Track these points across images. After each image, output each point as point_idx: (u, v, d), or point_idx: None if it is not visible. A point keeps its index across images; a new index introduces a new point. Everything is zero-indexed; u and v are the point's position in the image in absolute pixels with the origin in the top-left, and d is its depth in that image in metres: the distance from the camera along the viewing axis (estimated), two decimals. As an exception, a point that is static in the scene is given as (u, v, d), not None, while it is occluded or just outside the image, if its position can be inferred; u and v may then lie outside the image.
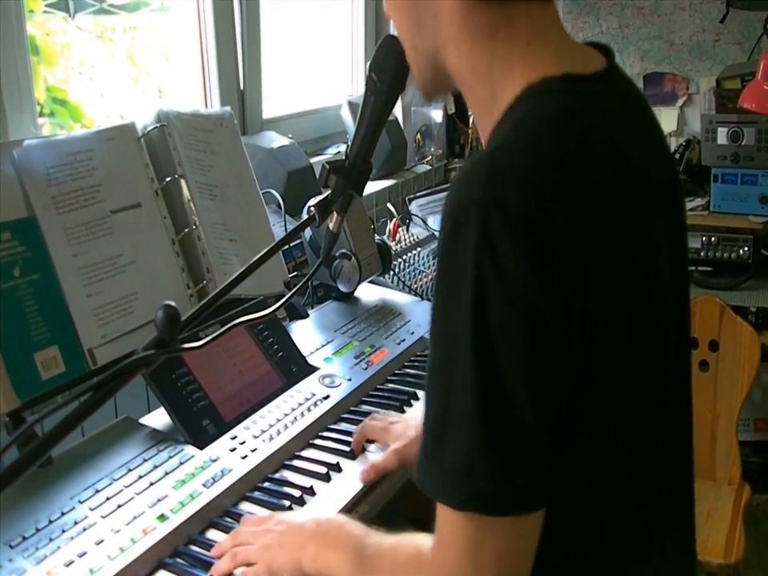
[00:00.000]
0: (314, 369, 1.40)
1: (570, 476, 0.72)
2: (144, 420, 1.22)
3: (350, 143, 1.05)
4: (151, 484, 1.06)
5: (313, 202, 1.06)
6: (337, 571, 0.84)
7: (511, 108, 0.73)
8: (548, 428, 0.66)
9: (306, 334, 1.51)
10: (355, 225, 1.61)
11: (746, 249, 2.58)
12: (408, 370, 1.48)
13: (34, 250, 1.17)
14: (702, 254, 2.63)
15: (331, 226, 1.10)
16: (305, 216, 1.09)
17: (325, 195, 1.06)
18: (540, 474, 0.67)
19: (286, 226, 1.64)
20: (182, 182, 1.40)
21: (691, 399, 0.88)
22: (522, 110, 0.71)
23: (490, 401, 0.64)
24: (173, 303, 0.66)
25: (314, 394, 1.33)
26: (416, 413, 1.25)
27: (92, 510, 1.01)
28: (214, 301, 0.84)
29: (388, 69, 0.97)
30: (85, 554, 0.94)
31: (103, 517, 1.00)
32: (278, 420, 1.24)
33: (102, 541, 0.96)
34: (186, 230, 1.39)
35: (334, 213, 1.07)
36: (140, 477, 1.07)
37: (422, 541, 0.73)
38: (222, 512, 1.07)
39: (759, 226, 2.56)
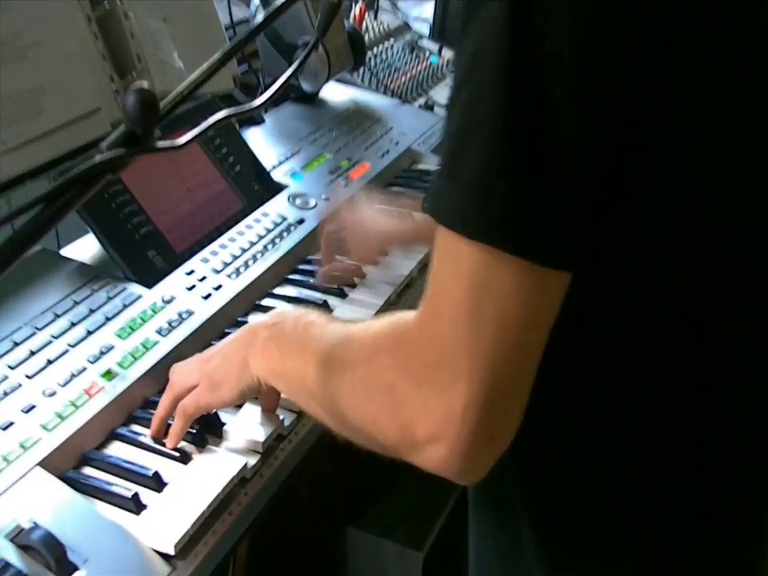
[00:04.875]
0: (280, 187, 1.25)
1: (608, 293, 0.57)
2: (66, 251, 1.05)
3: None
4: (89, 333, 0.91)
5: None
6: (294, 370, 0.70)
7: None
8: (591, 159, 0.52)
9: (264, 144, 1.34)
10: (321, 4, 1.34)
11: None
12: (395, 188, 1.35)
13: None
14: None
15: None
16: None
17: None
18: (570, 215, 0.53)
19: (229, 3, 1.36)
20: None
21: None
22: None
23: (521, 100, 0.51)
24: (146, 85, 0.50)
25: (284, 218, 1.19)
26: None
27: (12, 368, 0.85)
28: (181, 101, 0.63)
29: None
30: (11, 424, 0.79)
31: (29, 376, 0.84)
32: (244, 250, 1.11)
33: (32, 407, 0.81)
34: (106, 2, 1.13)
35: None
36: (72, 324, 0.92)
37: (401, 315, 0.62)
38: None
39: None
